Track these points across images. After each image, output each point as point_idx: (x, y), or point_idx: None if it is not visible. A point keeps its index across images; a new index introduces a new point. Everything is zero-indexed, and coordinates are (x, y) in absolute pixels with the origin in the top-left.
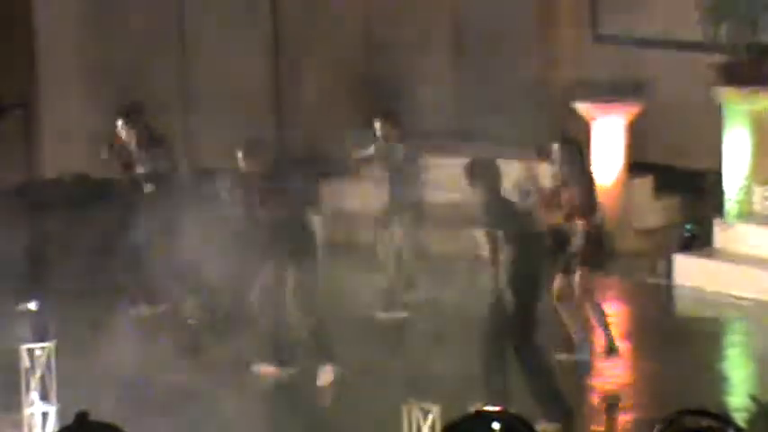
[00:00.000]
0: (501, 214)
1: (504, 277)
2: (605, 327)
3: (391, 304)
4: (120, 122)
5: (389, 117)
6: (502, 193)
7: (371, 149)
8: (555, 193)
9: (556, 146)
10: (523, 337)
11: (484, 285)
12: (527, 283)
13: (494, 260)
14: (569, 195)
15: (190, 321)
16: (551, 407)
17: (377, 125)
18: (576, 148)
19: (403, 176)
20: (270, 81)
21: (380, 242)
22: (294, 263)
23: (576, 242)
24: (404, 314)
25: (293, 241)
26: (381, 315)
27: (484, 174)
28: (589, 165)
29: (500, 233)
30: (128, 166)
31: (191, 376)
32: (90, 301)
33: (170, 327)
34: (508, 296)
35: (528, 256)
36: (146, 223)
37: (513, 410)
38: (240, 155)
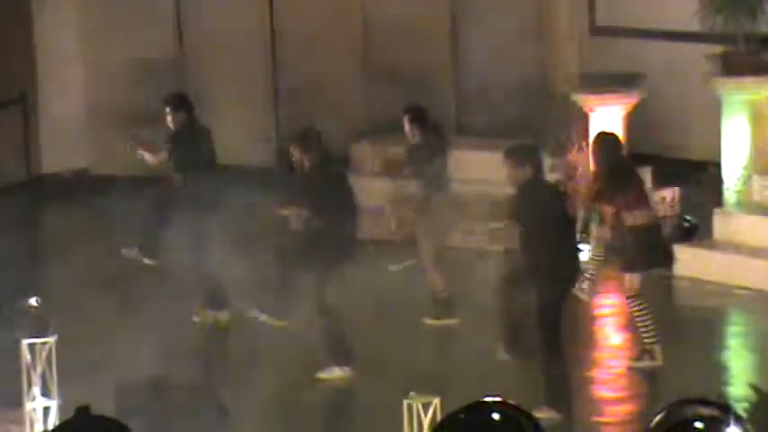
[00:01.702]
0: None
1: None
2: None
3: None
4: (167, 109)
5: (417, 115)
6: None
7: (413, 146)
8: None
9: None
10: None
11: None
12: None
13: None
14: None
15: (195, 318)
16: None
17: (406, 123)
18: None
19: (431, 173)
20: (269, 73)
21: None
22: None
23: (628, 241)
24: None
25: (330, 241)
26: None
27: (529, 159)
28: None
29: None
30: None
31: (196, 370)
32: (91, 296)
33: (174, 321)
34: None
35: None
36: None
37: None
38: (297, 149)
